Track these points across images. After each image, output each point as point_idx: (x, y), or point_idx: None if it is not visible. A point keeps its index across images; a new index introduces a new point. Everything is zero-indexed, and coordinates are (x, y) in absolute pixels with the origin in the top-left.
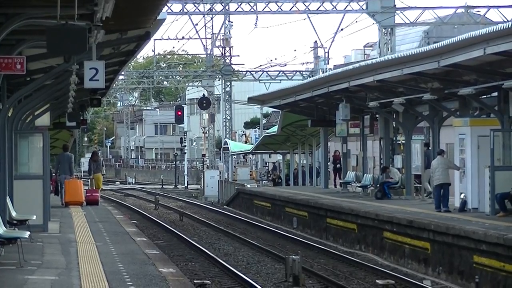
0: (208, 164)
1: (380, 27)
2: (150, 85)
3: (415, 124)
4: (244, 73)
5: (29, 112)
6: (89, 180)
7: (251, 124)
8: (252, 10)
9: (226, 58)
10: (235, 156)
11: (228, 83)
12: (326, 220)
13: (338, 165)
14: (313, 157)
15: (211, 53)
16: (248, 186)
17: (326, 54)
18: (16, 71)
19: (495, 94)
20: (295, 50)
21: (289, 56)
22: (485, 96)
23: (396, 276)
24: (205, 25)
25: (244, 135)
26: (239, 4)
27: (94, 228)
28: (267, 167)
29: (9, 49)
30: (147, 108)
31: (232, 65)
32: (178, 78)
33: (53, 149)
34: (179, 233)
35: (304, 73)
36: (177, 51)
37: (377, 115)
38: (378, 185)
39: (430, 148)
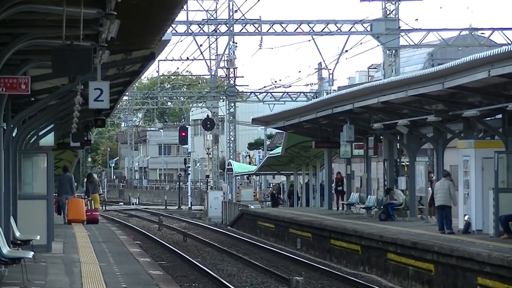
0: (211, 185)
1: (385, 48)
2: (154, 105)
3: (419, 145)
4: (248, 94)
5: (34, 132)
6: (88, 201)
7: (255, 145)
8: (256, 31)
9: (230, 79)
10: (239, 177)
11: (232, 104)
12: (330, 241)
13: (340, 187)
14: (317, 178)
15: (216, 74)
16: (252, 207)
17: (331, 76)
18: (21, 91)
19: (500, 116)
20: (299, 71)
21: (293, 77)
22: (489, 118)
23: None
24: (209, 46)
25: (248, 156)
26: (244, 25)
27: (97, 248)
28: (271, 188)
29: (14, 69)
30: (151, 128)
31: (236, 86)
32: (182, 99)
33: (57, 169)
34: (183, 254)
35: (308, 94)
36: (182, 72)
37: (381, 137)
38: (382, 207)
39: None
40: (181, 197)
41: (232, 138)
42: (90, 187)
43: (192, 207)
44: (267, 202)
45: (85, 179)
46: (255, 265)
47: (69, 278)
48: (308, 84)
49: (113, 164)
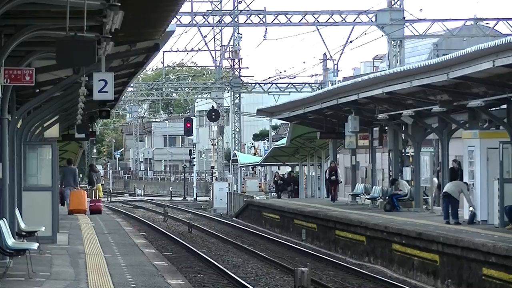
0: (217, 176)
1: (389, 39)
2: (159, 97)
3: (424, 136)
4: (253, 85)
5: (38, 124)
6: (92, 191)
7: (260, 136)
8: (261, 22)
9: (235, 70)
10: (244, 168)
11: (237, 95)
12: (335, 232)
13: (333, 177)
14: (322, 169)
15: (220, 65)
16: (257, 198)
17: (335, 66)
18: (25, 82)
19: (504, 106)
20: (304, 62)
21: (298, 68)
22: (494, 109)
23: None
24: (214, 37)
25: (253, 147)
26: (248, 16)
27: (102, 239)
28: (274, 176)
29: (18, 60)
30: (156, 120)
31: (241, 77)
32: (187, 90)
33: (62, 161)
34: (188, 245)
35: (313, 85)
36: (186, 63)
37: (386, 127)
38: (387, 197)
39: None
40: (186, 188)
41: (237, 129)
42: (94, 177)
43: (197, 198)
44: (272, 193)
45: (89, 170)
46: (260, 256)
47: (74, 269)
48: (313, 75)
49: (118, 156)
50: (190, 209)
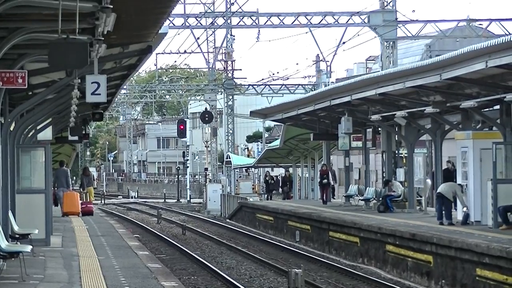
0: (210, 178)
1: (382, 40)
2: (152, 99)
3: (418, 137)
4: (246, 87)
5: (31, 127)
6: (83, 193)
7: (254, 137)
8: (254, 24)
9: (228, 72)
10: (238, 170)
11: (231, 97)
12: (329, 233)
13: (325, 180)
14: (315, 170)
15: (213, 67)
16: (251, 199)
17: (328, 68)
18: (18, 85)
19: (497, 107)
20: (297, 63)
21: (291, 69)
22: (487, 109)
23: None
24: (207, 39)
25: (246, 149)
26: (241, 18)
27: (96, 242)
28: (266, 175)
29: (10, 63)
30: (150, 122)
31: (234, 79)
32: (181, 92)
33: (55, 164)
34: (182, 247)
35: (306, 86)
36: (179, 65)
37: (379, 129)
38: (380, 199)
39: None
40: (180, 190)
41: (231, 131)
42: (85, 180)
43: (191, 200)
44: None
45: (81, 173)
46: (254, 258)
47: (68, 272)
48: (306, 77)
49: (112, 158)
50: (184, 211)
